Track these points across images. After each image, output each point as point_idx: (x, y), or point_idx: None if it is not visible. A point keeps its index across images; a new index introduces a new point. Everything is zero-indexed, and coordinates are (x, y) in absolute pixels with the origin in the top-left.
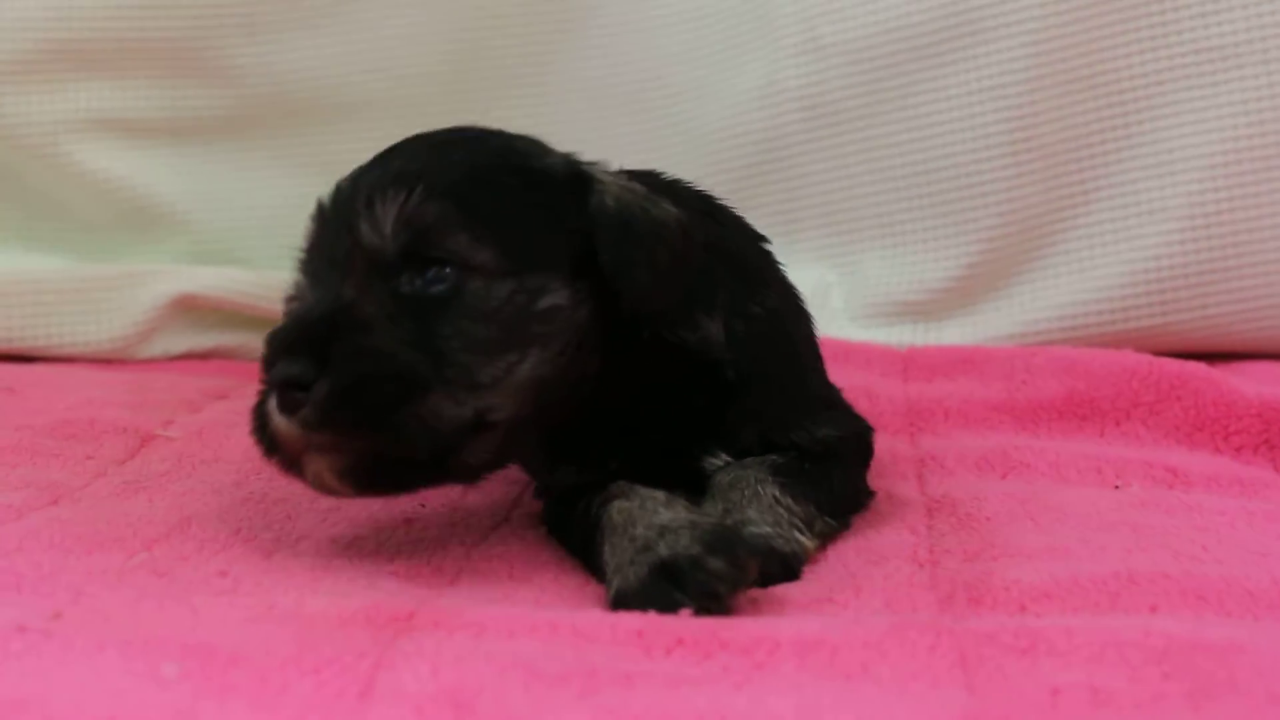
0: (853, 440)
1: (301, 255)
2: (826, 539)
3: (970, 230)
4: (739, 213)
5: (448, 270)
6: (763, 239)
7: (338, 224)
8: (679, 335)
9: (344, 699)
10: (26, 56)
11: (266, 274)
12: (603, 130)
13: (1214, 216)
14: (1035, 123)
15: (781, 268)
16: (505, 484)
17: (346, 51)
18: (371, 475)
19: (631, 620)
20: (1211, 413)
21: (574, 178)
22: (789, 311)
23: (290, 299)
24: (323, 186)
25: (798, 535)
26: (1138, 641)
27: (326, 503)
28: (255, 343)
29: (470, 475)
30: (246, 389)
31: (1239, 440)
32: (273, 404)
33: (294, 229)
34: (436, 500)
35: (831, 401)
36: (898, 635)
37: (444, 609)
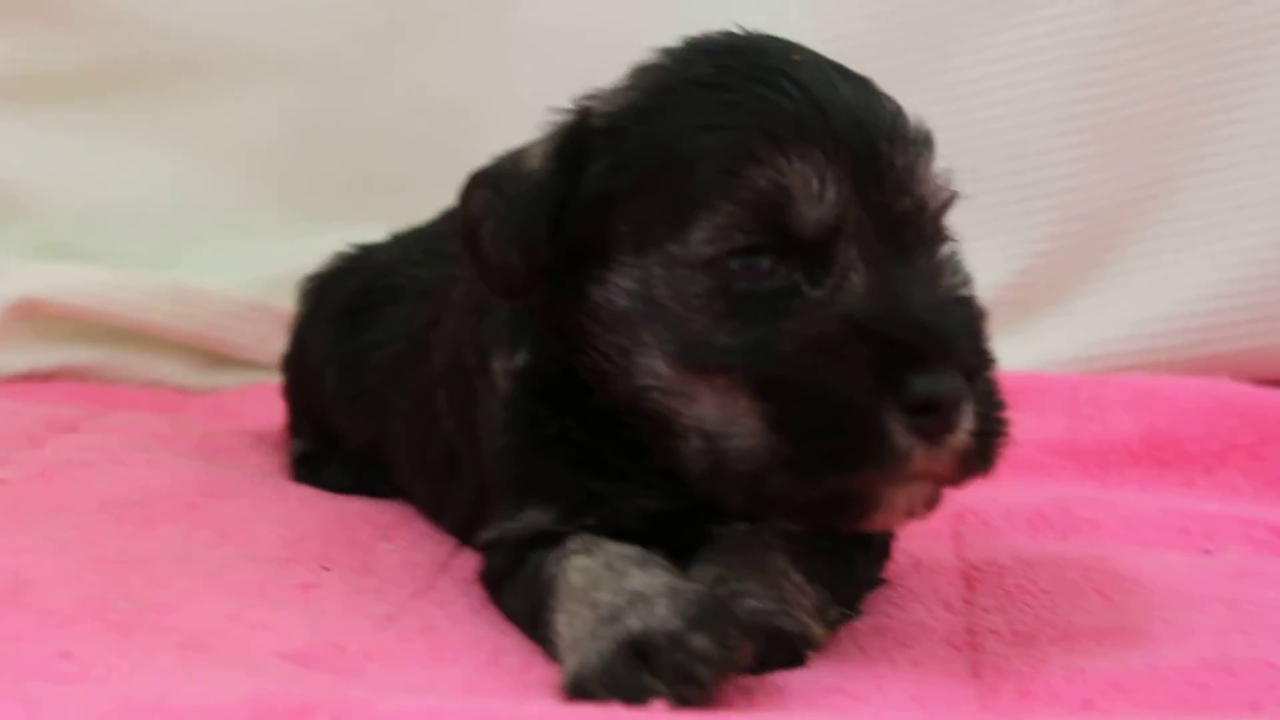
0: None
1: (802, 182)
2: (837, 628)
3: (1024, 227)
4: None
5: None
6: None
7: (872, 169)
8: None
9: None
10: None
11: (132, 273)
12: (555, 93)
13: None
14: (1108, 90)
15: None
16: (431, 542)
17: None
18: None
19: (589, 714)
20: None
21: None
22: None
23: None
24: (210, 165)
25: (806, 619)
26: None
27: (204, 563)
28: (116, 359)
29: None
30: (103, 418)
31: None
32: (899, 421)
33: (171, 218)
34: (343, 561)
35: None
36: None
37: (349, 701)
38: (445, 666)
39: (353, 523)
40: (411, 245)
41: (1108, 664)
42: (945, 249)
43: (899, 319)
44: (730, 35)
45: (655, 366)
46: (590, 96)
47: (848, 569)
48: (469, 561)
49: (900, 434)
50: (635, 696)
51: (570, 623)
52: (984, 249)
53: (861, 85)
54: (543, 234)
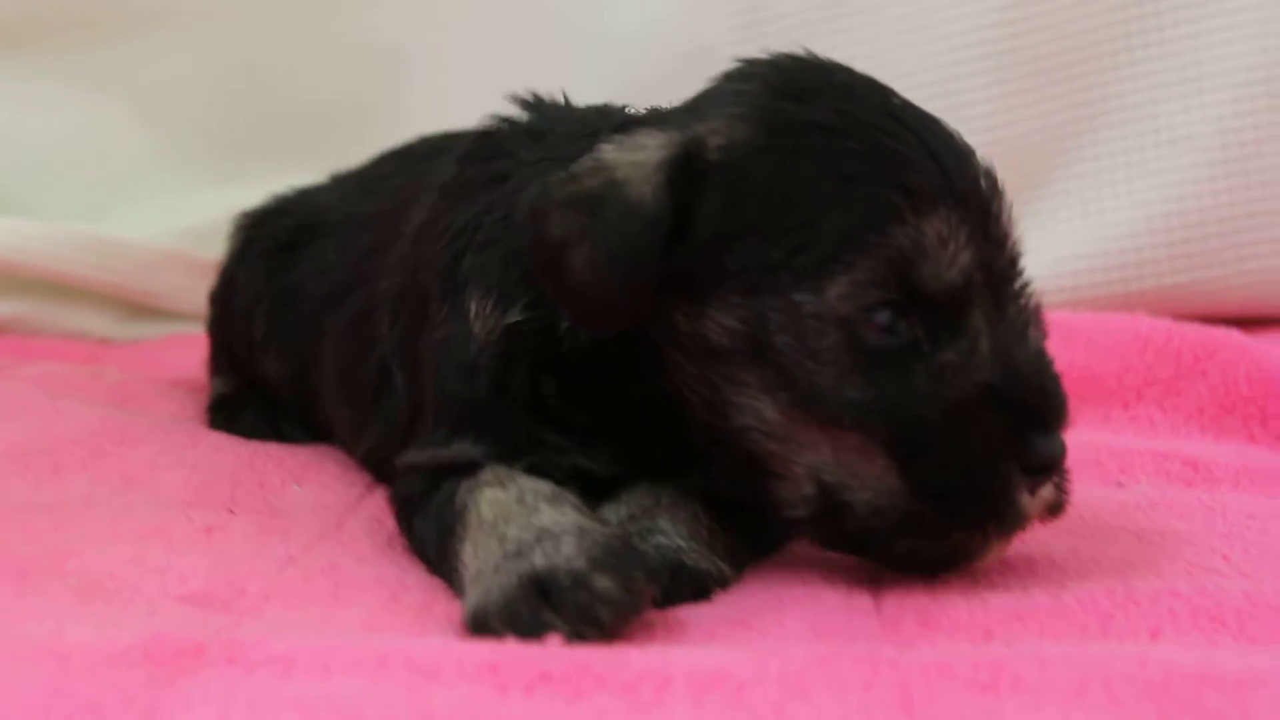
0: None
1: (951, 249)
2: (747, 567)
3: None
4: None
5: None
6: None
7: (983, 226)
8: None
9: None
10: None
11: (53, 225)
12: (480, 39)
13: (1252, 146)
14: (1027, 27)
15: None
16: (342, 484)
17: None
18: None
19: (485, 651)
20: (1245, 391)
21: None
22: None
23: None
24: (132, 115)
25: (716, 558)
26: (1130, 674)
27: (108, 509)
28: (37, 311)
29: None
30: (16, 369)
31: (1279, 426)
32: (1023, 481)
33: (93, 168)
34: (250, 505)
35: None
36: (823, 668)
37: (243, 640)
38: (346, 606)
39: (263, 467)
40: (350, 185)
41: (1011, 595)
42: (1029, 300)
43: (1025, 384)
44: (813, 65)
45: (760, 409)
46: (690, 120)
47: (764, 526)
48: (378, 503)
49: (1023, 494)
50: (534, 632)
51: (476, 554)
52: None
53: (943, 128)
54: (654, 266)
